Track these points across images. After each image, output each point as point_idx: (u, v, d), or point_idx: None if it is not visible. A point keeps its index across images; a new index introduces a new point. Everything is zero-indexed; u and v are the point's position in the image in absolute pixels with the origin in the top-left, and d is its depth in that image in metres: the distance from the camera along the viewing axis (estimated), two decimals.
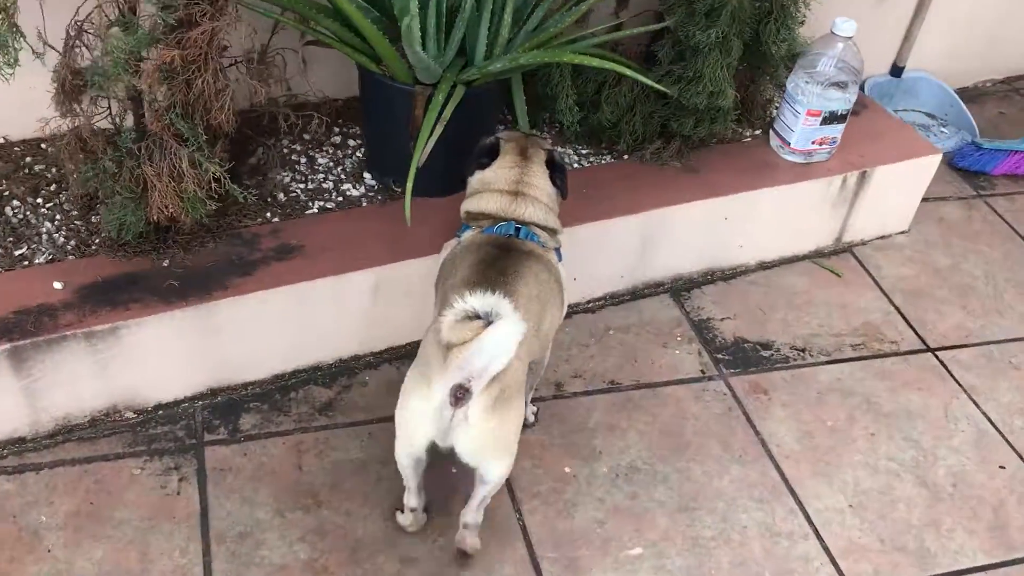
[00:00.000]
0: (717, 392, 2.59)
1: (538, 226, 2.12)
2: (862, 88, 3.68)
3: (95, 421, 2.25)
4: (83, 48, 1.89)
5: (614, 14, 2.93)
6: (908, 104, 3.83)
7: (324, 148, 2.65)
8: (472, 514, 1.99)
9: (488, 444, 1.82)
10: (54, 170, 2.41)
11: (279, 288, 2.24)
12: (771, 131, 2.94)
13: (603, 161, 2.82)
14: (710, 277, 2.94)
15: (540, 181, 2.14)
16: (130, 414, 2.29)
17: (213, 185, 2.07)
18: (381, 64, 2.25)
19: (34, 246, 2.24)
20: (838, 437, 2.51)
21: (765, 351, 2.74)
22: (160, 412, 2.32)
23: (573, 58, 2.11)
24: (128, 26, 1.83)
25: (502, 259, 1.96)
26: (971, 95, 3.99)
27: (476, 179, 2.15)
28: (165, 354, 2.22)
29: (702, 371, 2.65)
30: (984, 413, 2.64)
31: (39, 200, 2.35)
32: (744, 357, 2.71)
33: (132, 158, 2.03)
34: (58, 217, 2.31)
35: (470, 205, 2.13)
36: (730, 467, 2.40)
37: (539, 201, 2.12)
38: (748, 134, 3.00)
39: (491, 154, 2.12)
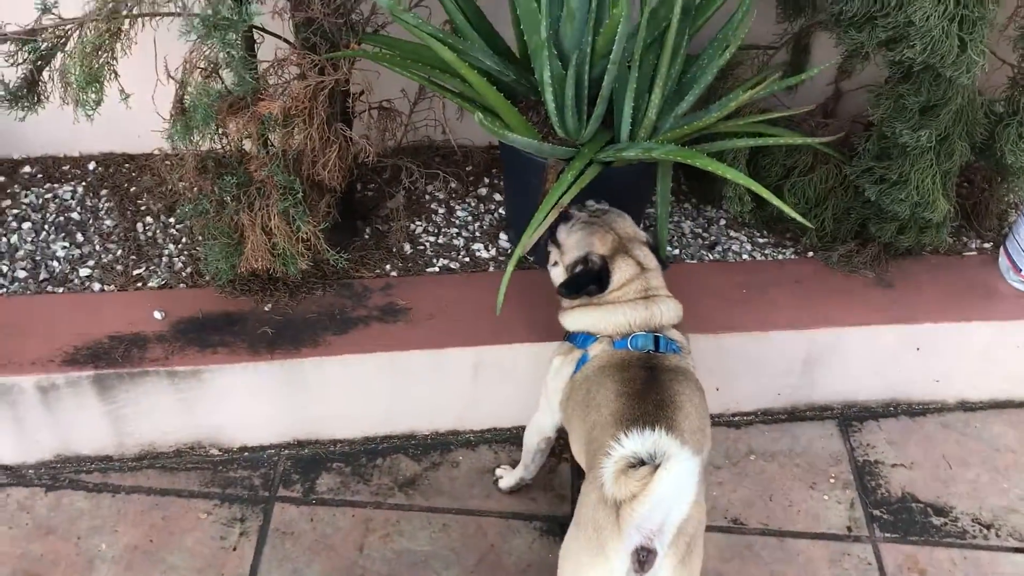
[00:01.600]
0: (861, 560, 2.15)
1: (674, 326, 1.83)
2: None
3: (180, 452, 2.23)
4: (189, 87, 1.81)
5: (833, 84, 2.53)
6: None
7: (467, 200, 2.47)
8: None
9: None
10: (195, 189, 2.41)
11: (370, 354, 2.10)
12: (1002, 249, 2.41)
13: (780, 255, 2.43)
14: (892, 410, 2.47)
15: (658, 276, 1.84)
16: (215, 451, 2.25)
17: (311, 241, 1.95)
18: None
19: (152, 268, 2.24)
20: None
21: (938, 518, 2.25)
22: (245, 454, 2.26)
23: (707, 163, 1.77)
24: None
25: (652, 384, 1.68)
26: None
27: (591, 302, 1.84)
28: (249, 400, 2.15)
29: (849, 528, 2.21)
30: None
31: (171, 219, 2.35)
32: (908, 520, 2.23)
33: (234, 203, 1.95)
34: (183, 240, 2.30)
35: (595, 323, 1.82)
36: None
37: (670, 298, 1.83)
38: (974, 246, 2.48)
39: (601, 281, 1.82)
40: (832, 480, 2.31)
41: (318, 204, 1.98)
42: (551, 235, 1.93)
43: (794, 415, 2.44)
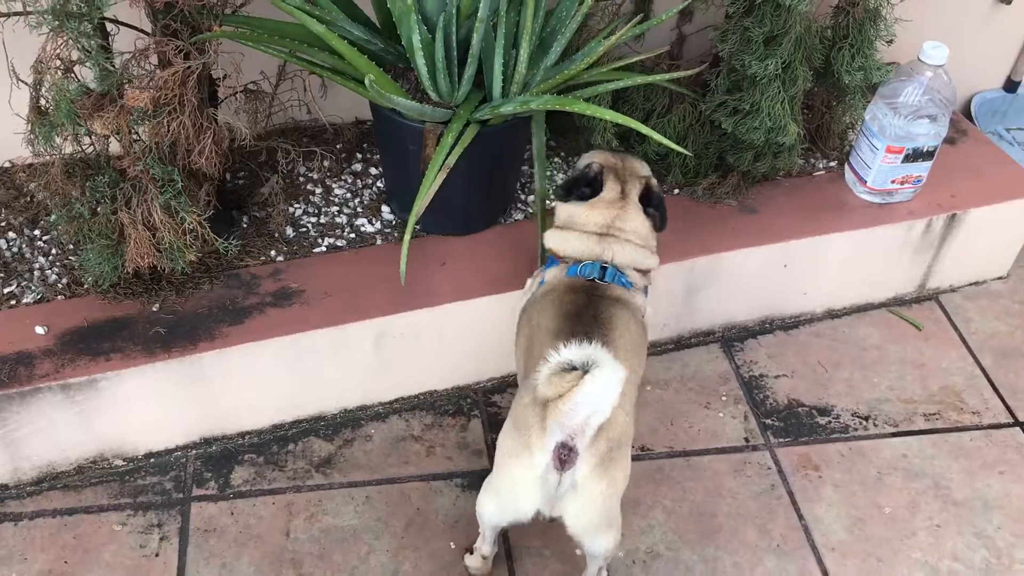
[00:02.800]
0: (761, 466, 2.31)
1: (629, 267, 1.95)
2: (968, 106, 3.28)
3: (82, 469, 2.15)
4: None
5: (676, 29, 2.65)
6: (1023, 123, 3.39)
7: (343, 177, 2.47)
8: None
9: (598, 512, 1.68)
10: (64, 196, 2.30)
11: (270, 340, 2.08)
12: (847, 165, 2.60)
13: None
14: (768, 326, 2.64)
15: (634, 221, 1.95)
16: (119, 462, 2.18)
17: (198, 232, 1.91)
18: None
19: (24, 283, 2.14)
20: (896, 528, 2.20)
21: (822, 417, 2.43)
22: (151, 460, 2.20)
23: (585, 108, 1.85)
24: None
25: (592, 306, 1.81)
26: None
27: (565, 212, 1.98)
28: (151, 404, 2.09)
29: (746, 439, 2.37)
30: None
31: (36, 232, 2.24)
32: (797, 424, 2.41)
33: (109, 202, 1.89)
34: (53, 251, 2.21)
35: (553, 243, 1.96)
36: (765, 558, 2.13)
37: (630, 243, 1.93)
38: (822, 166, 2.67)
39: (593, 186, 1.94)
40: (724, 398, 2.46)
41: (198, 194, 1.94)
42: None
43: (680, 343, 2.57)
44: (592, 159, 2.01)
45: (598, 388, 1.49)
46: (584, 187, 1.95)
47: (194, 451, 2.23)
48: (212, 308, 2.13)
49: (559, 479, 1.61)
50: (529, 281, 2.05)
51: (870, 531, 2.19)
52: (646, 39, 2.60)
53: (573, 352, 1.52)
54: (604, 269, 1.88)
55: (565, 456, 1.58)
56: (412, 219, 1.95)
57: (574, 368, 1.52)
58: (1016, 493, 2.29)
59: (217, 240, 1.93)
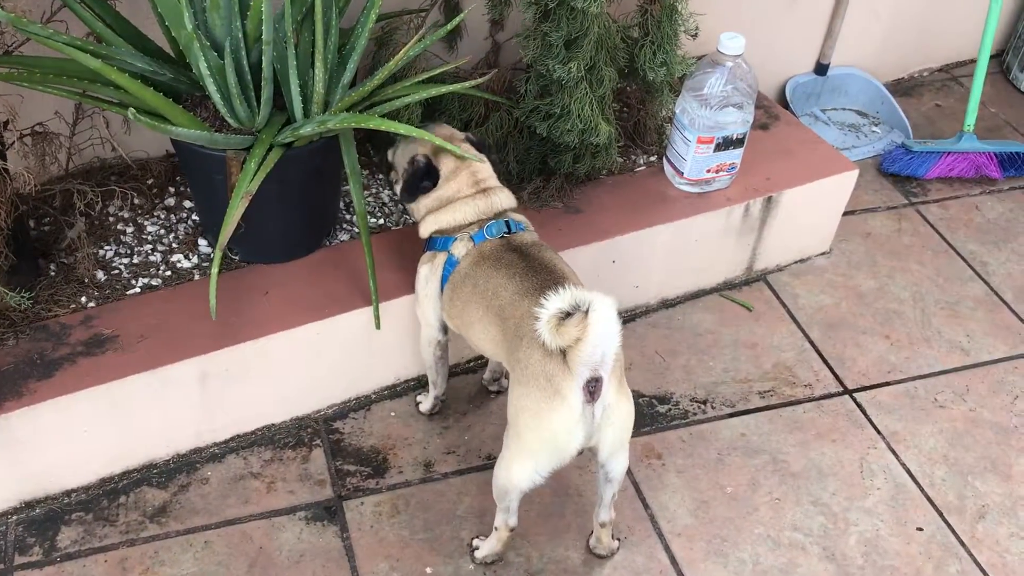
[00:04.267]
0: None
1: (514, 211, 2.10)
2: (783, 91, 3.42)
3: None
4: None
5: (489, 38, 2.66)
6: (837, 103, 3.55)
7: (155, 213, 2.38)
8: (607, 511, 2.03)
9: (625, 428, 1.88)
10: None
11: (82, 391, 1.98)
12: (665, 159, 2.67)
13: None
14: None
15: (486, 171, 2.10)
16: None
17: None
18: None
19: None
20: (738, 506, 2.27)
21: (662, 406, 2.48)
22: None
23: (380, 124, 1.83)
24: None
25: (529, 258, 1.95)
26: (906, 87, 3.72)
27: (424, 204, 2.09)
28: None
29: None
30: (903, 464, 2.40)
31: None
32: (638, 415, 2.39)
33: None
34: None
35: (439, 225, 2.06)
36: None
37: (502, 189, 2.10)
38: (642, 161, 2.72)
39: (431, 174, 2.06)
40: None
41: None
42: (386, 162, 2.19)
43: None
44: (410, 153, 2.09)
45: (606, 322, 1.64)
46: (424, 181, 2.06)
47: (14, 517, 2.10)
48: (18, 363, 2.01)
49: (592, 410, 1.76)
50: (426, 269, 2.10)
51: (713, 512, 2.25)
52: (460, 49, 2.61)
53: (558, 302, 1.65)
54: (507, 223, 2.01)
55: (593, 388, 1.73)
56: (219, 251, 1.89)
57: (568, 314, 1.66)
58: (847, 458, 2.39)
59: (8, 294, 1.83)
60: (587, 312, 1.64)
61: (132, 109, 1.70)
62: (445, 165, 2.06)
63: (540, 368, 1.75)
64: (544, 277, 1.88)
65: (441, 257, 2.06)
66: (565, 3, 2.13)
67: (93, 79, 1.85)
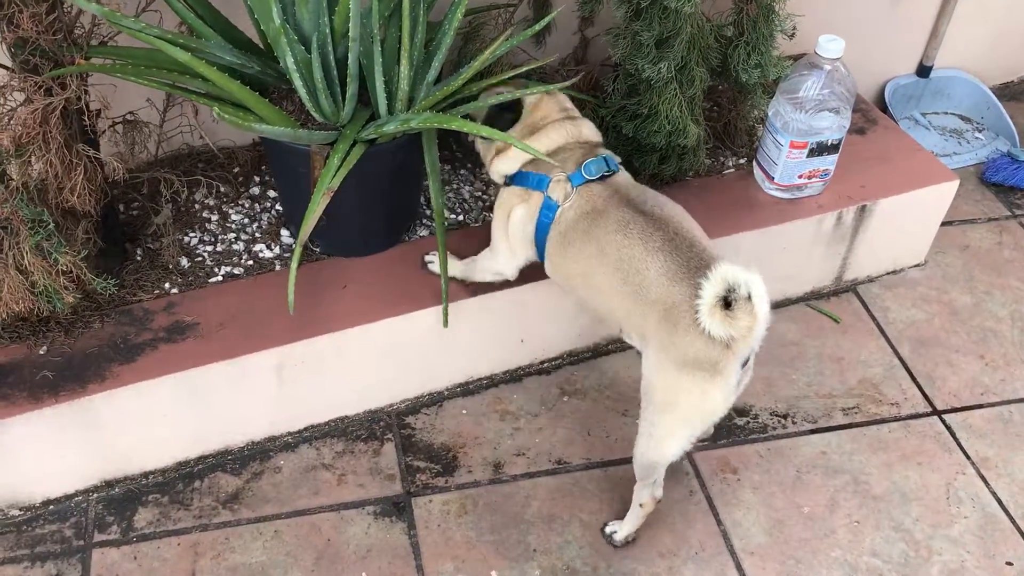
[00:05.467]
0: (679, 472, 2.28)
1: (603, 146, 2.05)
2: (882, 93, 3.28)
3: None
4: None
5: (578, 32, 2.62)
6: (938, 107, 3.40)
7: (240, 203, 2.40)
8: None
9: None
10: None
11: (163, 377, 2.01)
12: (755, 162, 2.59)
13: None
14: None
15: (568, 101, 2.07)
16: (15, 512, 2.10)
17: (74, 272, 1.84)
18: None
19: None
20: (815, 527, 2.19)
21: (740, 419, 2.41)
22: (50, 508, 2.13)
23: (462, 125, 1.81)
24: None
25: (642, 215, 1.87)
26: (1014, 91, 3.54)
27: (515, 131, 2.01)
28: (44, 450, 2.02)
29: None
30: (993, 492, 2.28)
31: None
32: (716, 426, 2.38)
33: None
34: None
35: (540, 145, 1.96)
36: (683, 568, 2.11)
37: (585, 119, 2.06)
38: (731, 164, 2.64)
39: (512, 107, 2.02)
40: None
41: (75, 232, 1.87)
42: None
43: (597, 351, 2.54)
44: (494, 102, 2.00)
45: (767, 302, 1.66)
46: (506, 112, 2.00)
47: (95, 495, 2.16)
48: (103, 347, 2.06)
49: (741, 377, 1.82)
50: (521, 210, 1.99)
51: (789, 532, 2.18)
52: (549, 47, 2.56)
53: (714, 288, 1.64)
54: (605, 160, 1.93)
55: (745, 362, 1.80)
56: (298, 247, 1.89)
57: (725, 299, 1.65)
58: (933, 483, 2.29)
59: (95, 280, 1.86)
60: (749, 297, 1.64)
61: (216, 107, 1.71)
62: (528, 98, 2.03)
63: (704, 355, 1.75)
64: (688, 255, 1.81)
65: (537, 198, 1.96)
66: (658, 2, 2.07)
67: (182, 71, 1.86)
